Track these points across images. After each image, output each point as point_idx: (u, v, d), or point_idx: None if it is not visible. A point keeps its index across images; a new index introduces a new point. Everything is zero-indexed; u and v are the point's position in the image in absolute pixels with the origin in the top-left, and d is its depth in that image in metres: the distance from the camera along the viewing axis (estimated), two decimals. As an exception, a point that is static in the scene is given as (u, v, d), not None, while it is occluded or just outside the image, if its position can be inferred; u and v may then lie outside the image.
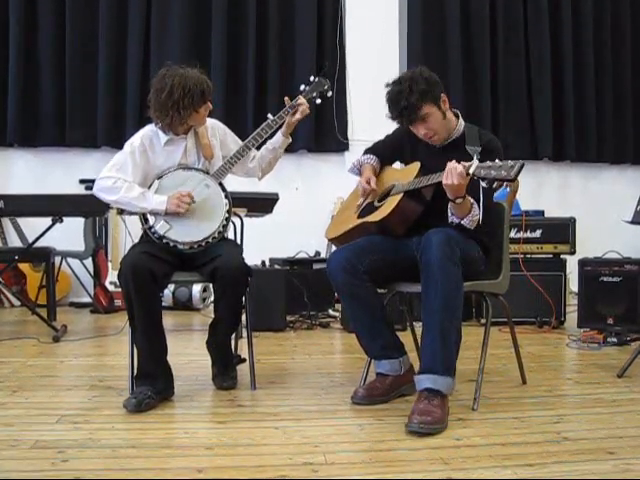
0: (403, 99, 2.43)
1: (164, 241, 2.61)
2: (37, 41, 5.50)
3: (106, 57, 5.54)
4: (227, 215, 2.70)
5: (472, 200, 2.37)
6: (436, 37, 5.97)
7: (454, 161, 2.27)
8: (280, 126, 2.88)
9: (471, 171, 2.21)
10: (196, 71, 2.67)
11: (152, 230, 2.62)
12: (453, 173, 2.24)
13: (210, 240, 2.64)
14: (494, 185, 2.19)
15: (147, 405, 2.39)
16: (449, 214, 2.41)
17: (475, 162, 2.22)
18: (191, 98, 2.60)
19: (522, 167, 2.13)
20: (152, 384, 2.46)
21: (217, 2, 5.63)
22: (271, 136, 2.91)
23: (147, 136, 2.74)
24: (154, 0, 5.60)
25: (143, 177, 2.71)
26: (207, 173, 2.75)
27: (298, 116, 2.86)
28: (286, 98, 2.89)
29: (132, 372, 2.58)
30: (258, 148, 2.93)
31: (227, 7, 5.66)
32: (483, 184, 2.22)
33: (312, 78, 2.98)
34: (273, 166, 3.03)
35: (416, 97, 2.42)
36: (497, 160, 2.19)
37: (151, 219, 2.64)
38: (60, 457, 1.89)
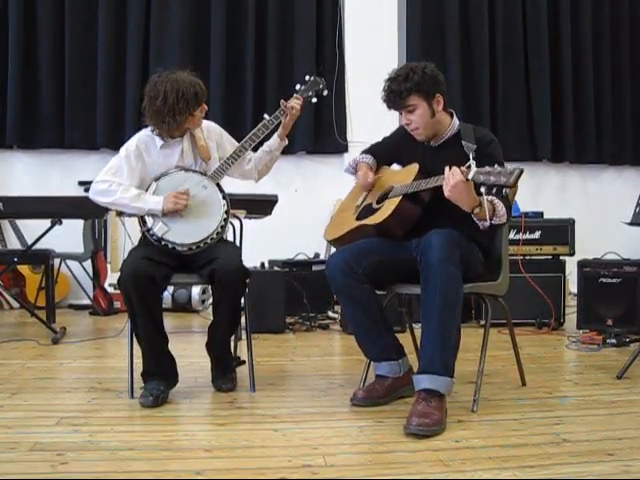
0: (395, 84, 2.47)
1: (162, 243, 2.61)
2: (36, 43, 5.49)
3: (105, 59, 5.53)
4: (225, 216, 2.70)
5: (489, 198, 2.29)
6: (435, 39, 5.96)
7: (447, 169, 2.25)
8: (276, 126, 2.88)
9: (470, 177, 2.20)
10: (187, 74, 2.67)
11: (150, 232, 2.63)
12: (451, 180, 2.21)
13: (208, 241, 2.64)
14: (493, 191, 2.19)
15: (162, 400, 2.48)
16: (477, 222, 2.35)
17: (473, 167, 2.20)
18: (185, 102, 2.60)
19: (521, 173, 2.11)
20: (162, 378, 2.54)
21: (216, 3, 5.64)
22: (268, 136, 2.91)
23: (143, 140, 2.75)
24: (153, 3, 5.59)
25: (140, 181, 2.71)
26: (204, 175, 2.75)
27: (288, 119, 2.86)
28: (282, 101, 2.89)
29: (132, 374, 2.59)
30: (255, 149, 2.93)
31: (226, 9, 5.65)
32: (482, 190, 2.21)
33: (307, 77, 2.98)
34: (270, 168, 3.02)
35: (407, 86, 2.44)
36: (496, 165, 2.17)
37: (149, 221, 2.64)
38: (59, 459, 1.89)
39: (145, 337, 2.55)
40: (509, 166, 2.16)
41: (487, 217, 2.30)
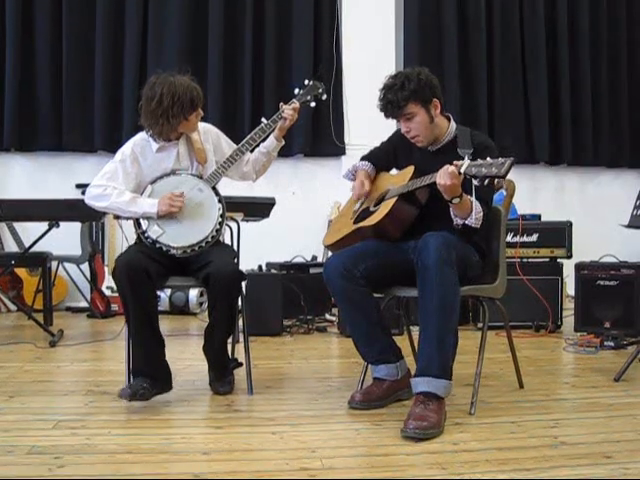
0: (392, 93, 2.46)
1: (157, 246, 2.61)
2: (34, 46, 5.48)
3: (103, 62, 5.52)
4: (220, 219, 2.70)
5: (471, 198, 2.35)
6: (433, 42, 5.97)
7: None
8: (274, 130, 2.89)
9: (462, 170, 2.22)
10: (186, 78, 2.67)
11: (145, 235, 2.63)
12: (445, 173, 2.25)
13: (203, 244, 2.64)
14: (486, 182, 2.20)
15: (141, 396, 2.42)
16: (452, 216, 2.40)
17: (466, 161, 2.23)
18: (180, 106, 2.61)
19: (513, 163, 2.14)
20: (148, 378, 2.49)
21: (214, 5, 5.64)
22: (265, 139, 2.92)
23: (138, 144, 2.75)
24: (151, 6, 5.60)
25: (136, 185, 2.72)
26: (200, 178, 2.75)
27: (287, 123, 2.87)
28: (281, 104, 2.90)
29: (129, 377, 2.58)
30: (252, 151, 2.94)
31: (224, 12, 5.65)
32: (475, 182, 2.22)
33: (306, 82, 2.98)
34: (267, 168, 3.04)
35: (403, 95, 2.44)
36: (488, 158, 2.20)
37: (144, 224, 2.64)
38: (57, 463, 1.89)
39: (137, 333, 2.51)
40: (500, 158, 2.17)
41: (464, 213, 2.35)
